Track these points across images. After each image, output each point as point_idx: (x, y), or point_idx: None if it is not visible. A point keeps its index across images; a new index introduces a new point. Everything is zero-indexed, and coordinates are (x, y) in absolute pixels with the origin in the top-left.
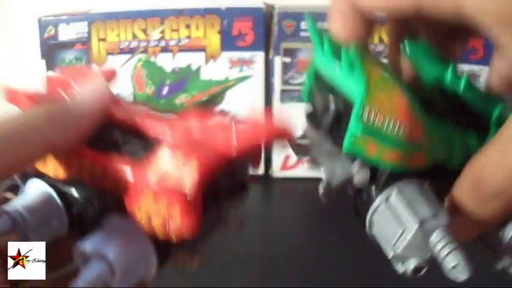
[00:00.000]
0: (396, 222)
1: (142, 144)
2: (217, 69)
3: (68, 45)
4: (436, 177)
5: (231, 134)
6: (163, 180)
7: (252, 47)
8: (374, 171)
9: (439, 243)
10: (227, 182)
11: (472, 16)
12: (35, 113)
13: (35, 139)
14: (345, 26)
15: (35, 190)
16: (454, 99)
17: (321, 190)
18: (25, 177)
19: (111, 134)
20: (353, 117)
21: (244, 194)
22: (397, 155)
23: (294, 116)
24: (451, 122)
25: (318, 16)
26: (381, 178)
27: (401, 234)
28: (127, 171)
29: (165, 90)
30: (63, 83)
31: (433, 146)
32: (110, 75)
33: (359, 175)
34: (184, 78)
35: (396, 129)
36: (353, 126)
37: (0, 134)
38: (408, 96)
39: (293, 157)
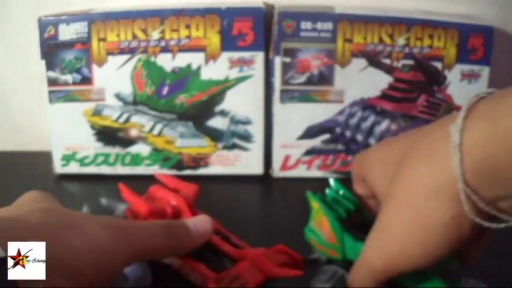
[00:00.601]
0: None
1: (218, 259)
2: (217, 69)
3: (68, 45)
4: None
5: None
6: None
7: (252, 47)
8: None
9: None
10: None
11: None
12: (162, 227)
13: (158, 247)
14: (354, 184)
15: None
16: None
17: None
18: None
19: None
20: (307, 225)
21: None
22: (321, 247)
23: (294, 116)
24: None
25: (318, 16)
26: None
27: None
28: (208, 279)
29: (165, 90)
30: (165, 193)
31: (343, 249)
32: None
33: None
34: (184, 78)
35: (322, 234)
36: (306, 229)
37: (137, 234)
38: (330, 219)
39: (293, 157)
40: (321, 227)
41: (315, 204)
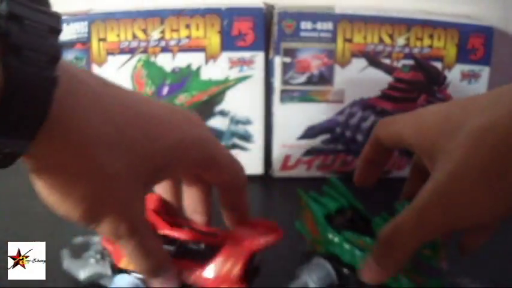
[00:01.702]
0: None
1: (201, 251)
2: (217, 69)
3: (68, 45)
4: (338, 261)
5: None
6: (218, 276)
7: (252, 47)
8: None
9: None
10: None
11: (410, 146)
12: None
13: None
14: (366, 150)
15: (123, 279)
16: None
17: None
18: (115, 272)
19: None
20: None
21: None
22: (309, 241)
23: (294, 116)
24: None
25: (318, 16)
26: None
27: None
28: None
29: (165, 90)
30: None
31: (327, 244)
32: None
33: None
34: (184, 78)
35: (307, 228)
36: (296, 222)
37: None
38: (313, 213)
39: (293, 157)
40: (307, 221)
41: (304, 205)
